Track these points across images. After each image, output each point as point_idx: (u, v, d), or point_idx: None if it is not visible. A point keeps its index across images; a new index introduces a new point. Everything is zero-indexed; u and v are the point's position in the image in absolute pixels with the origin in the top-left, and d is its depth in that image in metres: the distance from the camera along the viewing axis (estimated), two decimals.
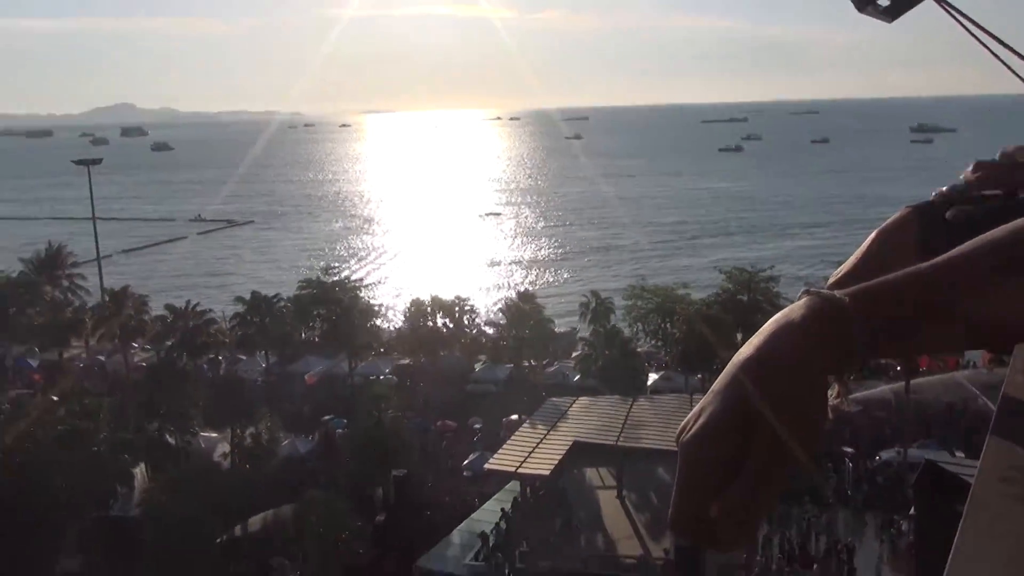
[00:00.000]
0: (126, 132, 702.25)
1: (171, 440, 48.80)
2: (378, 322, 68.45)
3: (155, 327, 64.69)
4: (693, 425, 1.20)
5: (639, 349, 65.28)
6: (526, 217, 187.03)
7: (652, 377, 63.71)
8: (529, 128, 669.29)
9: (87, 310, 72.45)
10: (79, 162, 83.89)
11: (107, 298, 69.10)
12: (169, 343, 61.90)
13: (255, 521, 46.06)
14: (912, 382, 49.23)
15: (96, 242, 79.90)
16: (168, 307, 63.80)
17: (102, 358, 75.29)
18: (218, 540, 42.07)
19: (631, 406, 41.19)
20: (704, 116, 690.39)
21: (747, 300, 63.26)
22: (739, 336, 55.86)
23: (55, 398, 47.26)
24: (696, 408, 1.22)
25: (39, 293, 78.53)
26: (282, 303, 68.07)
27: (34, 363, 73.82)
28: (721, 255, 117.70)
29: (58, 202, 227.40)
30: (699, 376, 60.17)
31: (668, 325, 64.32)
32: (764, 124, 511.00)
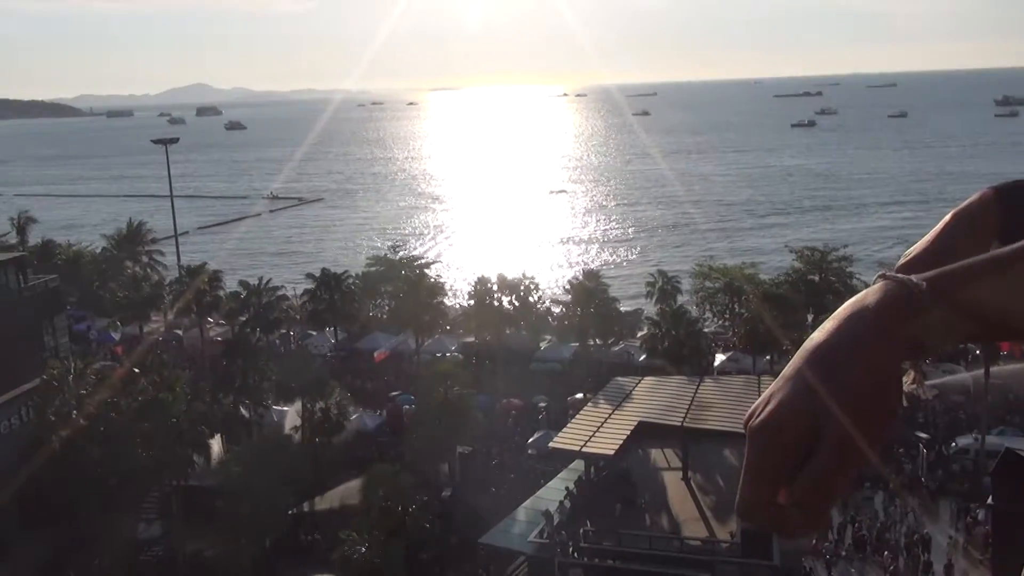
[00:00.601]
0: (201, 112, 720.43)
1: (245, 413, 50.26)
2: (444, 300, 69.03)
3: (229, 303, 66.46)
4: (763, 410, 1.20)
5: (706, 329, 64.47)
6: (592, 195, 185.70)
7: (719, 358, 62.90)
8: (596, 104, 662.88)
9: (165, 285, 74.86)
10: (157, 141, 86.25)
11: (184, 274, 71.20)
12: (243, 318, 63.56)
13: (326, 493, 47.26)
14: (992, 368, 47.47)
15: (174, 219, 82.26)
16: (242, 283, 65.44)
17: (180, 332, 77.81)
18: (290, 512, 43.28)
19: (697, 387, 40.74)
20: (776, 90, 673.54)
21: (818, 281, 61.80)
22: (809, 318, 54.69)
23: (136, 370, 49.02)
24: (766, 393, 1.23)
25: (120, 268, 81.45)
26: (351, 280, 69.18)
27: (116, 336, 76.71)
28: (792, 234, 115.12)
29: (138, 180, 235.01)
30: (767, 358, 59.14)
31: (736, 305, 63.34)
32: (839, 98, 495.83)
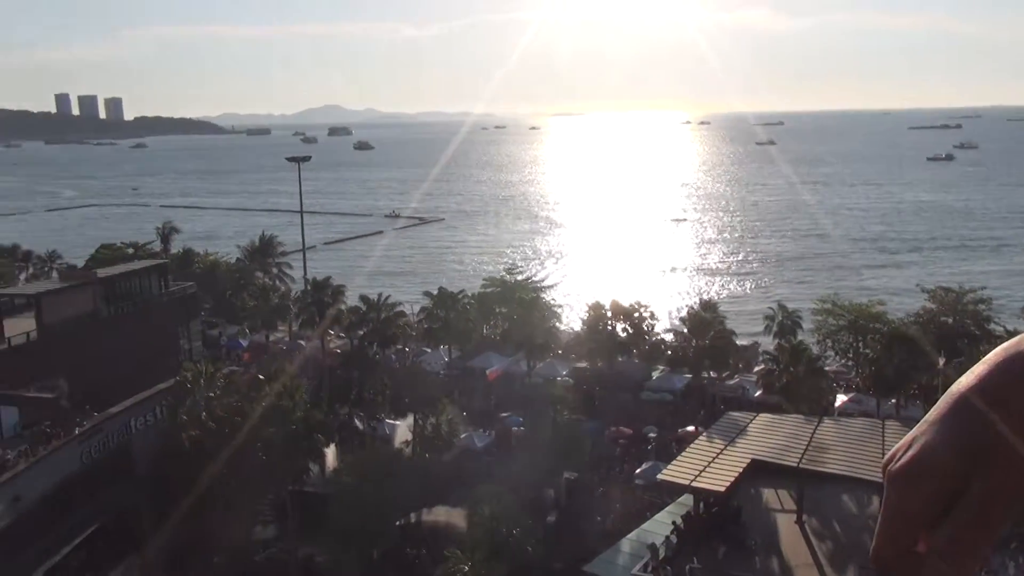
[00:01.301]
0: (333, 131, 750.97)
1: (359, 424, 51.68)
2: (557, 324, 69.17)
3: (349, 316, 68.66)
4: (903, 455, 1.14)
5: (827, 368, 61.97)
6: (713, 224, 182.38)
7: (840, 399, 60.34)
8: (720, 132, 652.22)
9: (292, 297, 78.10)
10: (291, 159, 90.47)
11: (309, 287, 74.09)
12: (361, 332, 65.49)
13: (433, 508, 47.95)
14: None
15: (303, 234, 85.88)
16: (362, 298, 67.52)
17: (303, 342, 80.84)
18: (398, 523, 44.13)
19: (816, 427, 39.20)
20: (911, 122, 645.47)
21: (952, 323, 58.52)
22: (941, 362, 51.84)
23: (261, 377, 51.23)
24: (907, 437, 1.18)
25: (252, 279, 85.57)
26: (466, 300, 70.26)
27: (244, 343, 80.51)
28: (925, 273, 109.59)
29: (271, 195, 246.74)
30: (893, 401, 56.32)
31: (861, 344, 60.67)
32: (980, 131, 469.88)
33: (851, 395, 60.95)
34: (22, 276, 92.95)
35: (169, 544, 45.48)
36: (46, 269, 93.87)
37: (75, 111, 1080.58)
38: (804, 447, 36.34)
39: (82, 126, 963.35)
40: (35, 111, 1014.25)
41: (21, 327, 45.44)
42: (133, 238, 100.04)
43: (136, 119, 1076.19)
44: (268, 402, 44.70)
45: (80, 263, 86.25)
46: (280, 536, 47.94)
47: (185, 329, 57.61)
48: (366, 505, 39.99)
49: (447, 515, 47.81)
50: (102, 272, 53.72)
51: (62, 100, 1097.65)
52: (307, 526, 44.88)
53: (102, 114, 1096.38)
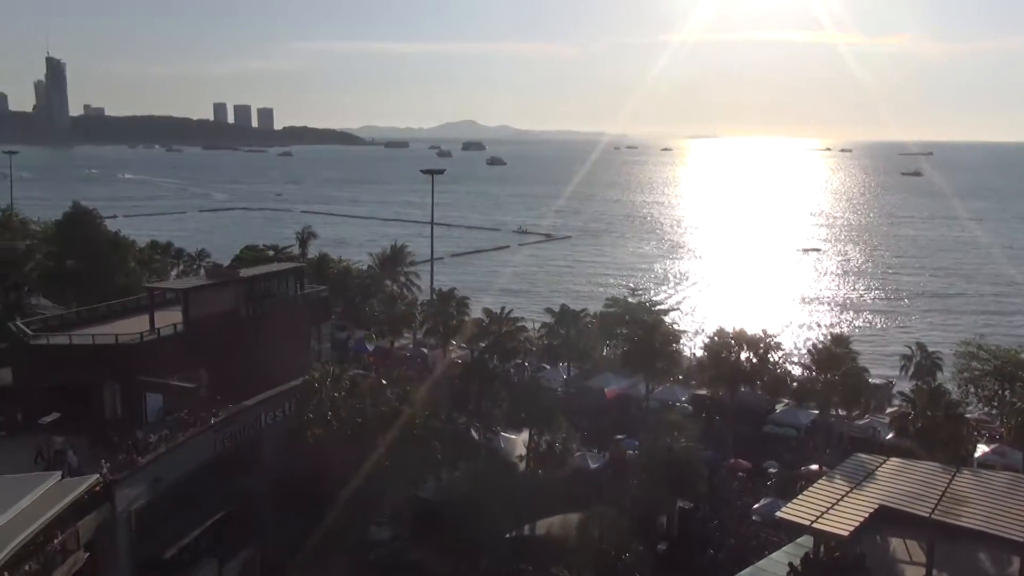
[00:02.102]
0: (467, 146, 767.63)
1: (475, 435, 52.25)
2: (679, 348, 67.83)
3: (472, 328, 69.68)
4: None
5: (968, 415, 58.04)
6: (848, 256, 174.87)
7: (981, 448, 56.42)
8: (862, 161, 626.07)
9: (418, 305, 80.00)
10: (426, 171, 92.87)
11: (435, 297, 75.69)
12: (483, 344, 66.30)
13: (542, 524, 47.82)
14: None
15: (432, 245, 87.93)
16: (486, 311, 68.41)
17: (425, 350, 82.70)
18: (507, 535, 44.25)
19: (952, 477, 36.73)
20: None
21: None
22: None
23: (384, 381, 52.60)
24: None
25: (381, 286, 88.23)
26: (588, 319, 69.99)
27: (370, 347, 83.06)
28: None
29: (404, 206, 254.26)
30: None
31: (1008, 392, 56.53)
32: None
33: (994, 446, 56.96)
34: (173, 272, 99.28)
35: (289, 536, 47.23)
36: (195, 266, 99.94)
37: (230, 119, 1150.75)
38: (938, 497, 34.11)
39: (236, 134, 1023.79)
40: (195, 119, 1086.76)
41: (170, 319, 48.40)
42: (274, 241, 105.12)
43: (284, 128, 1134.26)
44: (389, 407, 45.79)
45: (225, 262, 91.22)
46: (393, 539, 48.94)
47: (316, 331, 59.82)
48: (477, 515, 40.30)
49: (558, 529, 47.58)
50: (244, 272, 56.56)
51: (219, 109, 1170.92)
52: (419, 531, 45.66)
53: (254, 123, 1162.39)
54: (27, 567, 29.30)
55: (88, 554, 33.52)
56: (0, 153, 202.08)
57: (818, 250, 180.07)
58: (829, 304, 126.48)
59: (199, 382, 46.13)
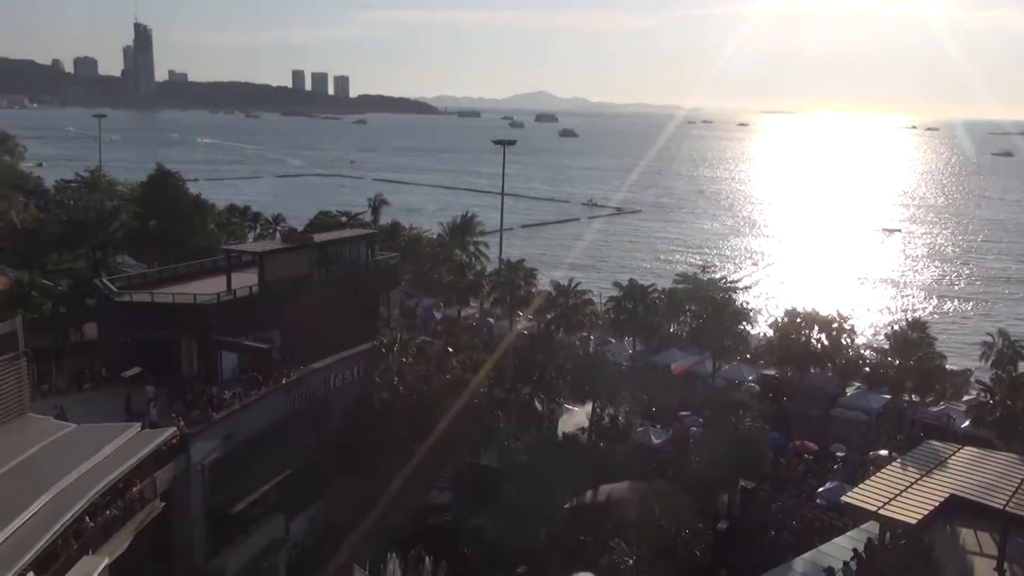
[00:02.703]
0: (540, 118, 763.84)
1: (538, 406, 52.48)
2: (748, 327, 66.60)
3: (539, 299, 69.73)
4: None
5: None
6: (930, 238, 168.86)
7: None
8: (949, 140, 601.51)
9: (486, 275, 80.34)
10: (498, 142, 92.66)
11: (503, 267, 75.87)
12: (549, 316, 66.33)
13: (602, 494, 47.92)
14: None
15: (501, 216, 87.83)
16: (553, 283, 68.34)
17: (492, 320, 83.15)
18: (566, 505, 44.46)
19: None
20: None
21: None
22: None
23: (450, 349, 53.19)
24: None
25: (450, 255, 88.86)
26: (656, 294, 69.26)
27: (438, 315, 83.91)
28: None
29: (475, 176, 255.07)
30: None
31: None
32: None
33: None
34: (250, 235, 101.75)
35: (352, 496, 48.43)
36: (270, 230, 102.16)
37: (307, 87, 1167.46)
38: (1014, 489, 32.93)
39: (312, 101, 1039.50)
40: (273, 85, 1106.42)
41: (246, 281, 49.71)
42: (347, 207, 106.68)
43: (360, 97, 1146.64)
44: (454, 375, 46.32)
45: (300, 227, 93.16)
46: (453, 504, 49.73)
47: (386, 297, 60.67)
48: (538, 485, 40.58)
49: (617, 505, 47.64)
50: (318, 237, 57.59)
51: (297, 76, 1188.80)
52: (480, 498, 46.25)
53: (331, 90, 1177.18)
54: (108, 512, 30.71)
55: (164, 503, 34.96)
56: (90, 116, 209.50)
57: (899, 231, 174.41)
58: (908, 287, 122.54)
59: (272, 343, 47.38)
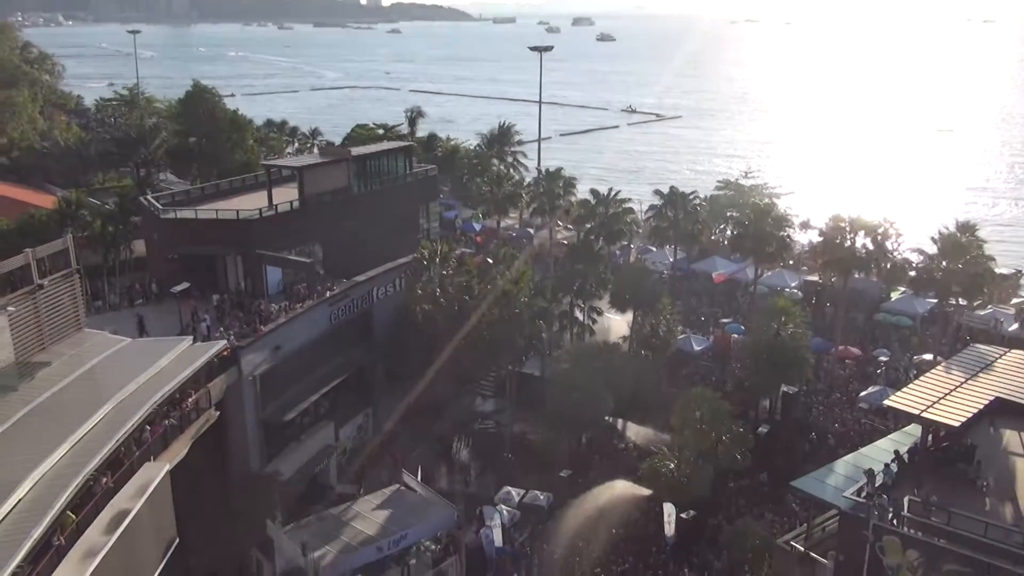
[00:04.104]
0: (576, 22, 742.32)
1: (579, 315, 52.79)
2: (791, 233, 65.62)
3: (578, 209, 69.23)
4: None
5: None
6: (986, 139, 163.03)
7: None
8: (1010, 32, 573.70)
9: (524, 185, 79.87)
10: (534, 48, 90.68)
11: (542, 176, 75.21)
12: (589, 225, 65.97)
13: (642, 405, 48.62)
14: None
15: (539, 124, 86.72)
16: (593, 191, 67.62)
17: (531, 231, 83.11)
18: (607, 419, 45.24)
19: None
20: None
21: None
22: None
23: (490, 260, 53.37)
24: None
25: (488, 165, 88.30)
26: (697, 201, 68.36)
27: (477, 227, 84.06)
28: None
29: (512, 84, 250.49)
30: None
31: None
32: None
33: None
34: (289, 149, 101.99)
35: (399, 404, 49.72)
36: (308, 144, 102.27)
37: None
38: None
39: (345, 10, 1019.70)
40: None
41: (286, 196, 50.12)
42: (383, 120, 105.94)
43: (393, 5, 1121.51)
44: (495, 285, 46.60)
45: (337, 140, 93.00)
46: (497, 411, 50.88)
47: (425, 209, 60.78)
48: (579, 392, 41.22)
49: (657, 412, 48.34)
50: (356, 150, 57.48)
51: None
52: (523, 405, 47.22)
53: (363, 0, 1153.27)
54: (166, 422, 32.01)
55: (219, 413, 36.28)
56: (123, 32, 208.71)
57: (952, 131, 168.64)
58: (958, 189, 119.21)
59: (314, 257, 48.02)
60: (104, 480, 27.12)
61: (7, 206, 57.53)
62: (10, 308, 31.01)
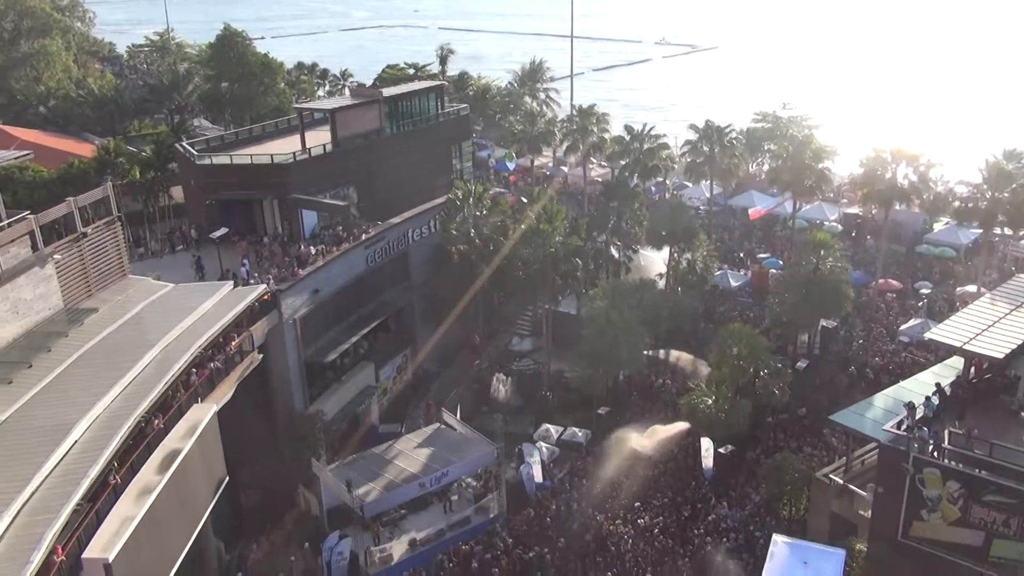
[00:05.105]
0: None
1: (615, 253, 52.55)
2: (830, 165, 64.21)
3: (612, 145, 68.34)
4: None
5: None
6: None
7: None
8: None
9: (557, 123, 78.86)
10: None
11: (575, 113, 74.15)
12: (623, 162, 65.18)
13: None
14: None
15: (571, 59, 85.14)
16: (626, 127, 66.63)
17: (565, 169, 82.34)
18: (646, 352, 45.31)
19: None
20: None
21: None
22: None
23: (524, 199, 53.13)
24: None
25: (520, 103, 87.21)
26: (734, 135, 67.06)
27: (510, 166, 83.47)
28: None
29: (543, 19, 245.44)
30: None
31: None
32: None
33: None
34: (320, 92, 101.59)
35: (437, 344, 50.32)
36: (340, 86, 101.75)
37: None
38: None
39: None
40: None
41: (319, 139, 50.13)
42: (414, 59, 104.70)
43: None
44: (529, 224, 46.49)
45: (367, 81, 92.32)
46: (535, 349, 51.24)
47: (457, 149, 60.44)
48: (615, 330, 41.27)
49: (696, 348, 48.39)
50: (387, 91, 57.06)
51: None
52: (559, 343, 47.48)
53: None
54: (211, 365, 32.76)
55: (262, 356, 37.02)
56: None
57: (994, 56, 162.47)
58: (1006, 117, 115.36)
59: (349, 200, 48.18)
60: (155, 422, 27.98)
61: (49, 155, 58.26)
62: (56, 256, 31.69)
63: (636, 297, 44.33)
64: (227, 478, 32.19)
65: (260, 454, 37.35)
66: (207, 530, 31.10)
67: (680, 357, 48.28)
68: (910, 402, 29.78)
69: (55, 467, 23.53)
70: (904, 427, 29.06)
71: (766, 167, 73.05)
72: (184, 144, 52.23)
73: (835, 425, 34.62)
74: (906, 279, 56.67)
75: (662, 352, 48.53)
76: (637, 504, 35.96)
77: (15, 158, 36.05)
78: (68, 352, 29.26)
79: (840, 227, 63.81)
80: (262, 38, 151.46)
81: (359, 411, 43.58)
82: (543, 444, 40.78)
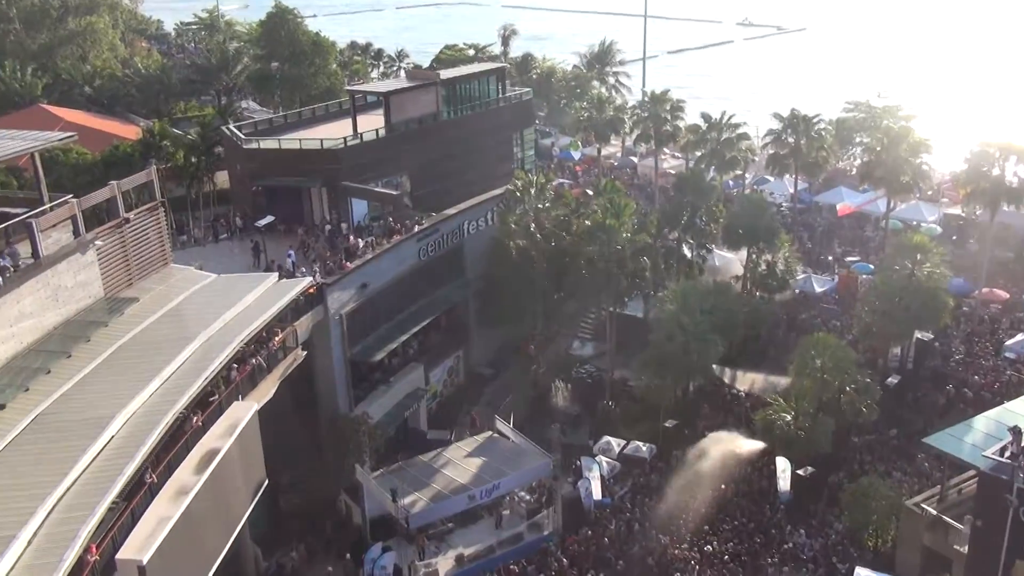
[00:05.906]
0: None
1: (687, 252, 51.95)
2: (930, 161, 62.59)
3: (688, 135, 67.67)
4: None
5: None
6: None
7: None
8: None
9: (627, 109, 78.43)
10: None
11: (647, 99, 73.59)
12: (699, 153, 64.50)
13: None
14: None
15: (644, 41, 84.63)
16: (703, 115, 65.93)
17: (634, 159, 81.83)
18: (715, 366, 44.70)
19: None
20: None
21: None
22: None
23: (590, 191, 52.94)
24: None
25: (587, 88, 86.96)
26: (822, 125, 65.86)
27: (576, 155, 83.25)
28: None
29: None
30: None
31: None
32: None
33: None
34: (374, 73, 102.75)
35: (492, 346, 50.43)
36: (395, 68, 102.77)
37: None
38: None
39: None
40: None
41: (372, 123, 50.67)
42: (474, 39, 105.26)
43: None
44: (595, 219, 46.26)
45: (425, 63, 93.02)
46: (597, 355, 51.00)
47: (519, 136, 60.55)
48: (686, 336, 40.79)
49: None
50: (445, 73, 57.44)
51: None
52: (624, 349, 47.15)
53: None
54: (253, 361, 33.34)
55: (305, 353, 37.54)
56: None
57: None
58: None
59: (401, 188, 48.60)
60: (194, 419, 28.59)
61: (94, 138, 60.01)
62: (98, 242, 32.52)
63: (709, 301, 43.73)
64: (266, 481, 32.74)
65: (301, 457, 37.94)
66: (244, 535, 31.71)
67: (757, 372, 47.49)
68: (1015, 426, 28.75)
69: (91, 463, 24.18)
70: (1008, 454, 28.12)
71: (857, 161, 71.53)
72: (231, 127, 53.31)
73: (929, 449, 33.78)
74: (1013, 289, 54.89)
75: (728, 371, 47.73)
76: (705, 528, 35.52)
77: (59, 140, 37.15)
78: (107, 343, 30.04)
79: (940, 229, 62.14)
80: (314, 16, 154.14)
81: (407, 415, 43.90)
82: (603, 458, 40.56)
